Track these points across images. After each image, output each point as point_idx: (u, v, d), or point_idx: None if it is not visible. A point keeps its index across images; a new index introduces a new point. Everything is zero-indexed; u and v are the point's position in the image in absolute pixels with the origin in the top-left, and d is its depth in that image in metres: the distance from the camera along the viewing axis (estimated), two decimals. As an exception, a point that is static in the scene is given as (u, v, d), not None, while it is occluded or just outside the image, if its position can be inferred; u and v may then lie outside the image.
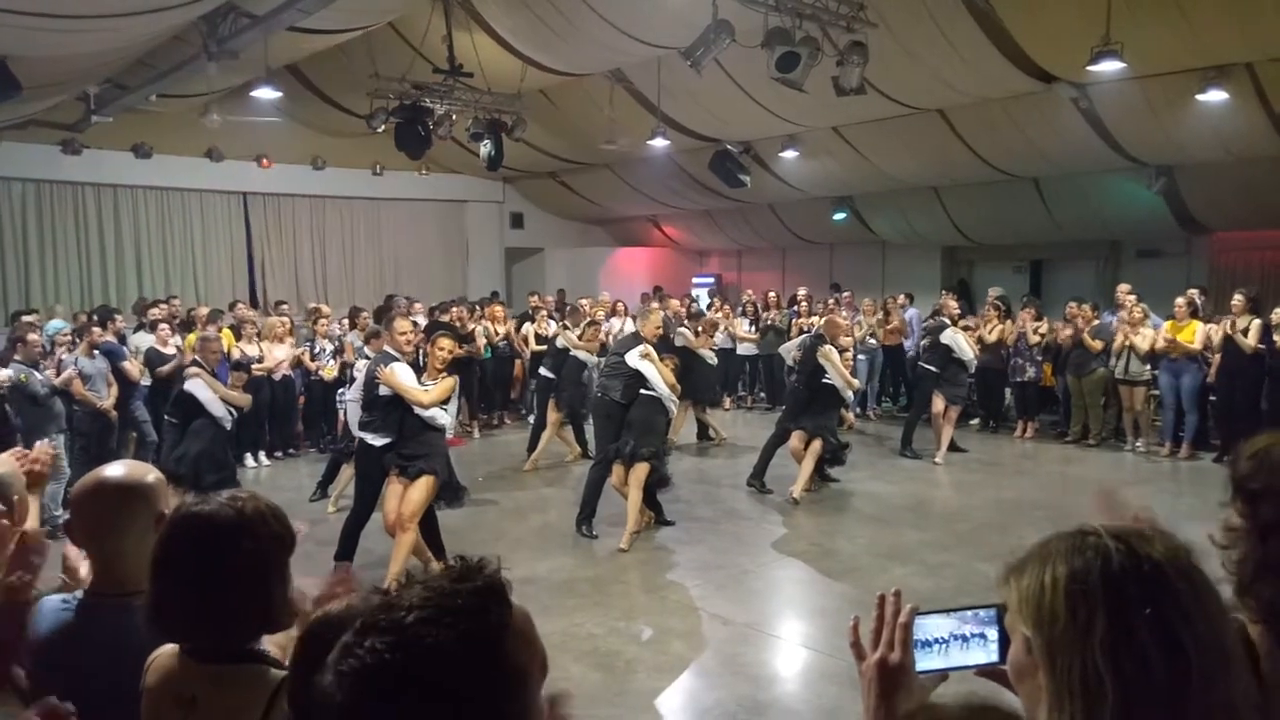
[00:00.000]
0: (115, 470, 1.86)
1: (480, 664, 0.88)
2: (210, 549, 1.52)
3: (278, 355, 10.32)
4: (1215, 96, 9.25)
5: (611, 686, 4.61)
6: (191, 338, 9.59)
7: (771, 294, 13.93)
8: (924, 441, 10.12)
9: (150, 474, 1.87)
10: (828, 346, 8.37)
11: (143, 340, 9.96)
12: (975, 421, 11.62)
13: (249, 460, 10.01)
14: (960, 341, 9.89)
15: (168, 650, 1.61)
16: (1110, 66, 8.31)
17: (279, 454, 10.51)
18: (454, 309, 11.77)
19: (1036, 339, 10.93)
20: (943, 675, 1.17)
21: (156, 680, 1.59)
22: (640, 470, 6.99)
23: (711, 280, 18.77)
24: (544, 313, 12.48)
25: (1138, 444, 10.12)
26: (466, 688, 0.87)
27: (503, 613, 0.92)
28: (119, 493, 1.80)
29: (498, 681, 0.90)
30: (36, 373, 7.64)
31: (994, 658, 1.11)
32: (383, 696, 0.86)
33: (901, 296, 13.35)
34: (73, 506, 1.82)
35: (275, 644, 1.66)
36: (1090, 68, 8.42)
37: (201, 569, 1.51)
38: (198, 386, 7.33)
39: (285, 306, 12.22)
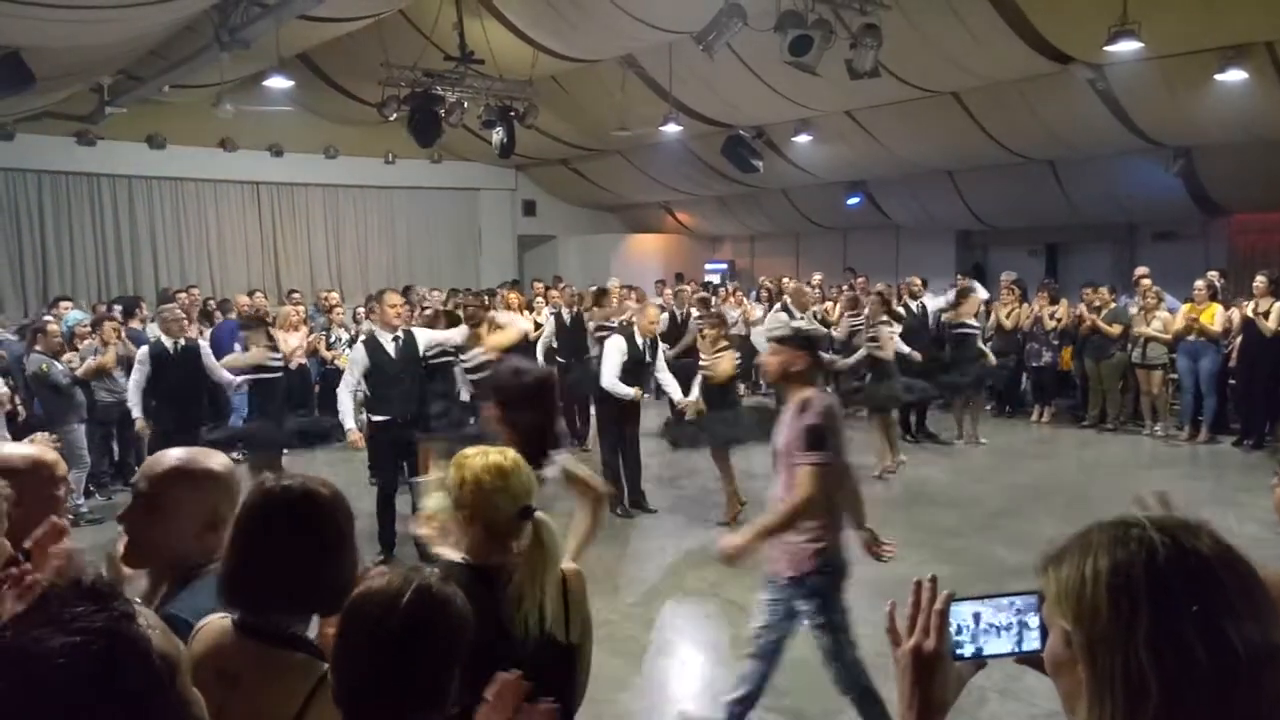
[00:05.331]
0: (181, 454, 1.89)
1: None
2: (300, 521, 1.60)
3: (292, 344, 10.34)
4: (1234, 76, 9.13)
5: (630, 672, 4.62)
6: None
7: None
8: (942, 426, 10.19)
9: (215, 458, 1.91)
10: None
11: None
12: (991, 406, 11.56)
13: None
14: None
15: (217, 623, 1.62)
16: (1127, 47, 8.21)
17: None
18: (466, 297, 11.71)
19: (1053, 324, 10.83)
20: (980, 663, 1.16)
21: (202, 649, 1.58)
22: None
23: (724, 266, 18.69)
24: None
25: (1156, 428, 10.03)
26: None
27: None
28: (187, 475, 1.83)
29: None
30: (57, 363, 7.69)
31: (1034, 645, 1.09)
32: None
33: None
34: (145, 485, 1.83)
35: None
36: (1107, 48, 8.33)
37: (286, 540, 1.58)
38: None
39: (298, 295, 12.25)
